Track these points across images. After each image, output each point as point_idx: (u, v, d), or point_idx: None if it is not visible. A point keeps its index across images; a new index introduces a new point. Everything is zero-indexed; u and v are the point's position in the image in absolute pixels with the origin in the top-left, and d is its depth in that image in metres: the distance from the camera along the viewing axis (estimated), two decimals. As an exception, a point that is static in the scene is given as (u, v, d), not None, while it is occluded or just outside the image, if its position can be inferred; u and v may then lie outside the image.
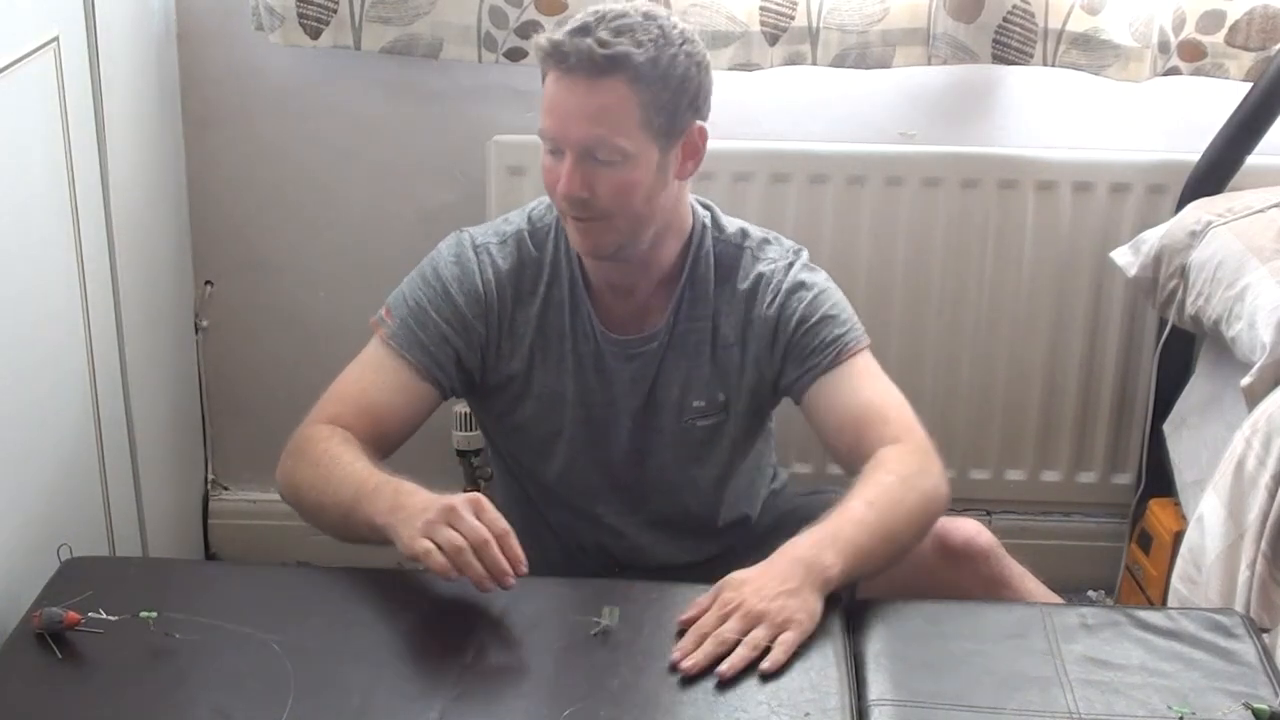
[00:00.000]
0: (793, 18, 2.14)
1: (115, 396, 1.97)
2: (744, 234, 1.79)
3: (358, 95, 2.29)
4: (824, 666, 1.43)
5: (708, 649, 1.41)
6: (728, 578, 1.48)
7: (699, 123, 1.68)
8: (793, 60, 2.17)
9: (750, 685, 1.40)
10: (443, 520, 1.46)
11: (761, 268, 1.75)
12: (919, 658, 1.44)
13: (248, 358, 2.44)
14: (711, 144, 2.21)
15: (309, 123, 2.31)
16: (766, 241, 1.79)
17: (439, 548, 1.45)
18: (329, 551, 2.45)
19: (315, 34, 2.15)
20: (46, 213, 1.76)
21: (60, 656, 1.39)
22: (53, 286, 1.78)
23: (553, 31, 1.64)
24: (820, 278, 1.77)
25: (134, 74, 2.06)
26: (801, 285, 1.74)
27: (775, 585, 1.45)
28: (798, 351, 1.73)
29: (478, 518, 1.46)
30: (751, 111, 2.29)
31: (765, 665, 1.39)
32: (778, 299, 1.73)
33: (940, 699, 1.38)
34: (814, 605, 1.45)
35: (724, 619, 1.43)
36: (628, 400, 1.77)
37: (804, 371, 1.73)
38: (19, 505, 1.65)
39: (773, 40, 2.15)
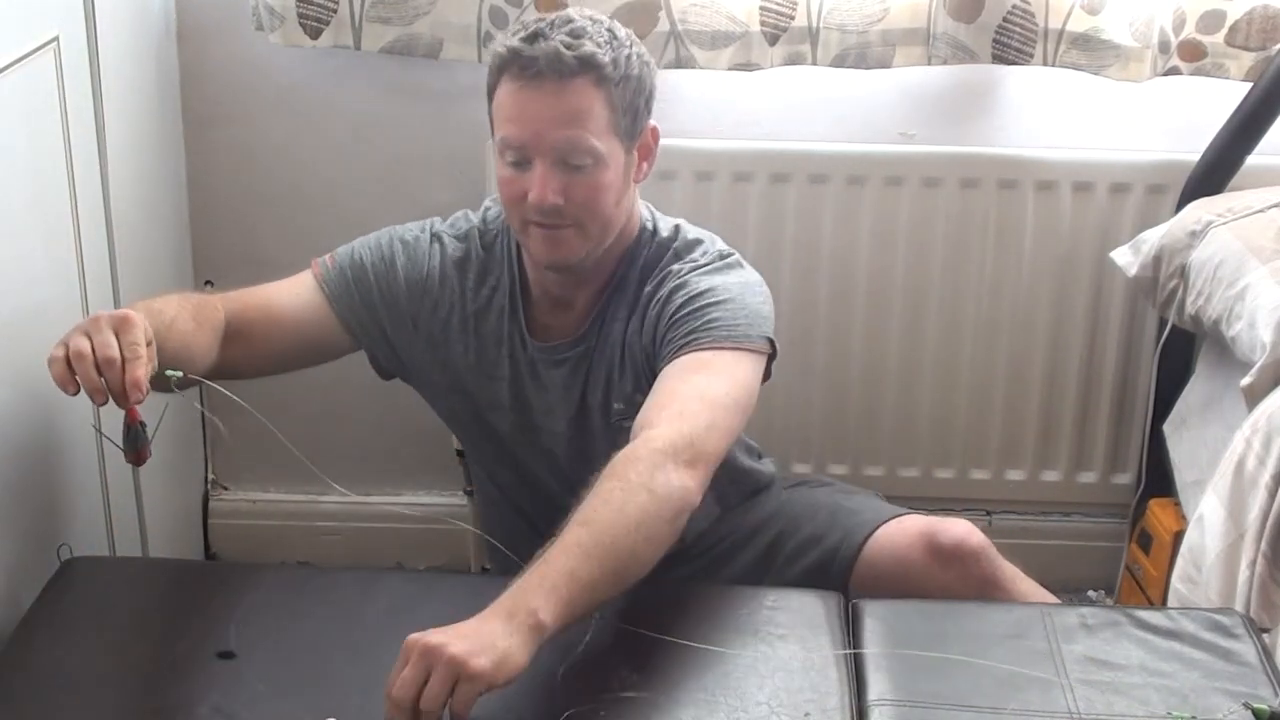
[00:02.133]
0: (793, 18, 2.14)
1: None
2: (675, 233, 1.75)
3: (358, 95, 2.29)
4: (824, 666, 1.43)
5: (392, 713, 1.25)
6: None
7: (651, 123, 1.69)
8: (793, 60, 2.17)
9: (750, 686, 1.40)
10: (83, 330, 1.42)
11: (674, 266, 1.71)
12: (919, 658, 1.44)
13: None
14: (711, 144, 2.24)
15: (309, 123, 2.31)
16: (698, 241, 1.74)
17: (62, 358, 1.40)
18: (329, 551, 2.46)
19: (315, 34, 2.15)
20: (46, 213, 1.76)
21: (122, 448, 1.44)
22: (53, 286, 1.78)
23: (505, 40, 1.64)
24: (730, 279, 1.68)
25: (134, 74, 2.06)
26: (692, 284, 1.67)
27: (466, 630, 1.28)
28: (661, 342, 1.66)
29: (118, 335, 1.40)
30: (751, 111, 2.29)
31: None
32: (664, 295, 1.68)
33: (940, 699, 1.38)
34: (513, 652, 1.27)
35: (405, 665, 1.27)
36: (563, 407, 1.76)
37: (659, 360, 1.65)
38: (19, 505, 1.65)
39: (773, 40, 2.15)
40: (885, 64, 2.17)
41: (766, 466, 1.95)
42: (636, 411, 1.67)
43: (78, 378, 1.38)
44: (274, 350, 1.73)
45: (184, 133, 2.29)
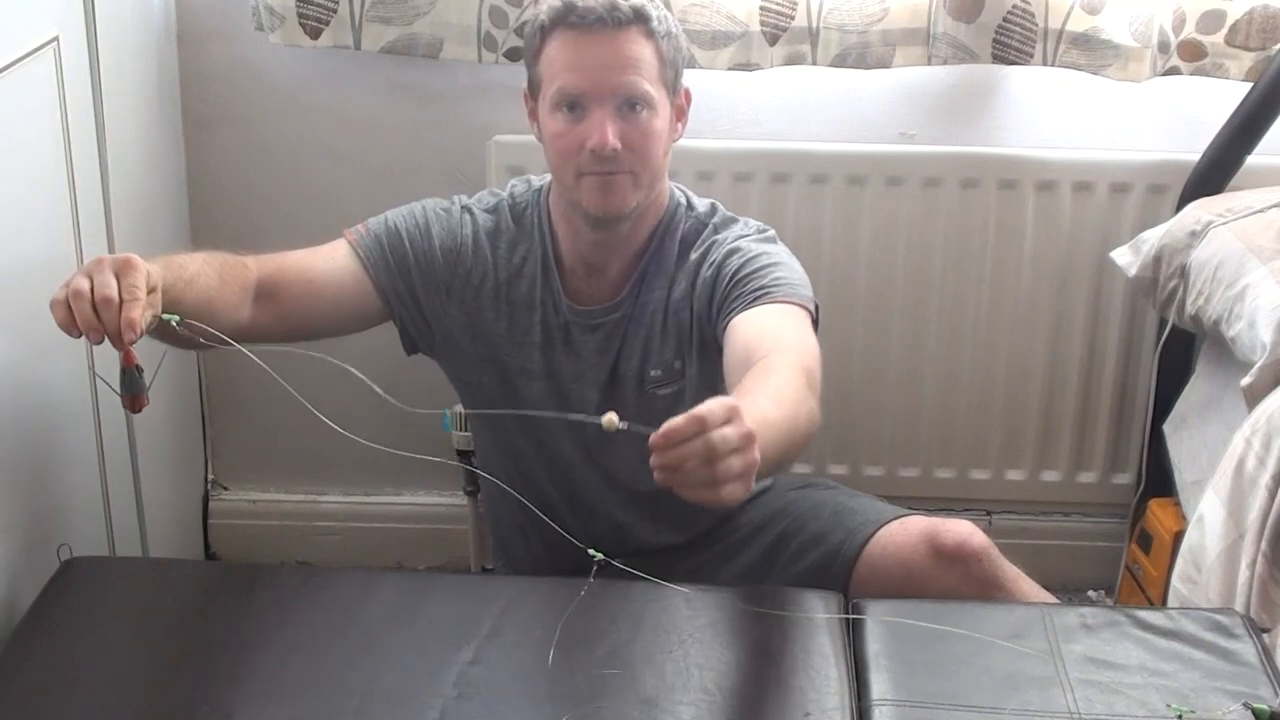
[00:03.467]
0: (793, 18, 2.14)
1: (115, 396, 1.97)
2: (713, 210, 1.83)
3: (358, 95, 2.29)
4: (824, 666, 1.43)
5: (696, 446, 1.25)
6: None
7: (685, 85, 1.78)
8: (793, 60, 2.17)
9: (750, 686, 1.40)
10: (85, 271, 1.43)
11: (717, 237, 1.78)
12: (919, 658, 1.44)
13: (248, 358, 2.44)
14: (711, 144, 2.23)
15: (309, 123, 2.31)
16: (733, 220, 1.82)
17: (62, 300, 1.41)
18: (329, 551, 2.46)
19: (315, 34, 2.14)
20: (47, 213, 1.76)
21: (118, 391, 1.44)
22: (53, 286, 1.77)
23: (550, 2, 1.70)
24: (775, 249, 1.76)
25: (134, 74, 2.06)
26: (745, 248, 1.74)
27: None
28: (724, 299, 1.71)
29: (119, 277, 1.41)
30: (751, 111, 2.29)
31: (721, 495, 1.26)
32: (719, 258, 1.74)
33: (940, 699, 1.38)
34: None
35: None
36: (595, 373, 1.80)
37: (727, 315, 1.69)
38: (19, 505, 1.65)
39: (773, 40, 2.15)
40: (885, 64, 2.17)
41: None
42: (674, 378, 1.77)
43: (75, 313, 1.39)
44: (305, 313, 1.74)
45: (184, 133, 2.29)
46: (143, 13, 2.11)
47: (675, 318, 1.77)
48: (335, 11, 2.13)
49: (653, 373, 1.79)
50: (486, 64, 2.17)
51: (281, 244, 2.34)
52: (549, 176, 1.81)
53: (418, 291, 1.79)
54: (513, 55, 2.15)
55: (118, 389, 1.46)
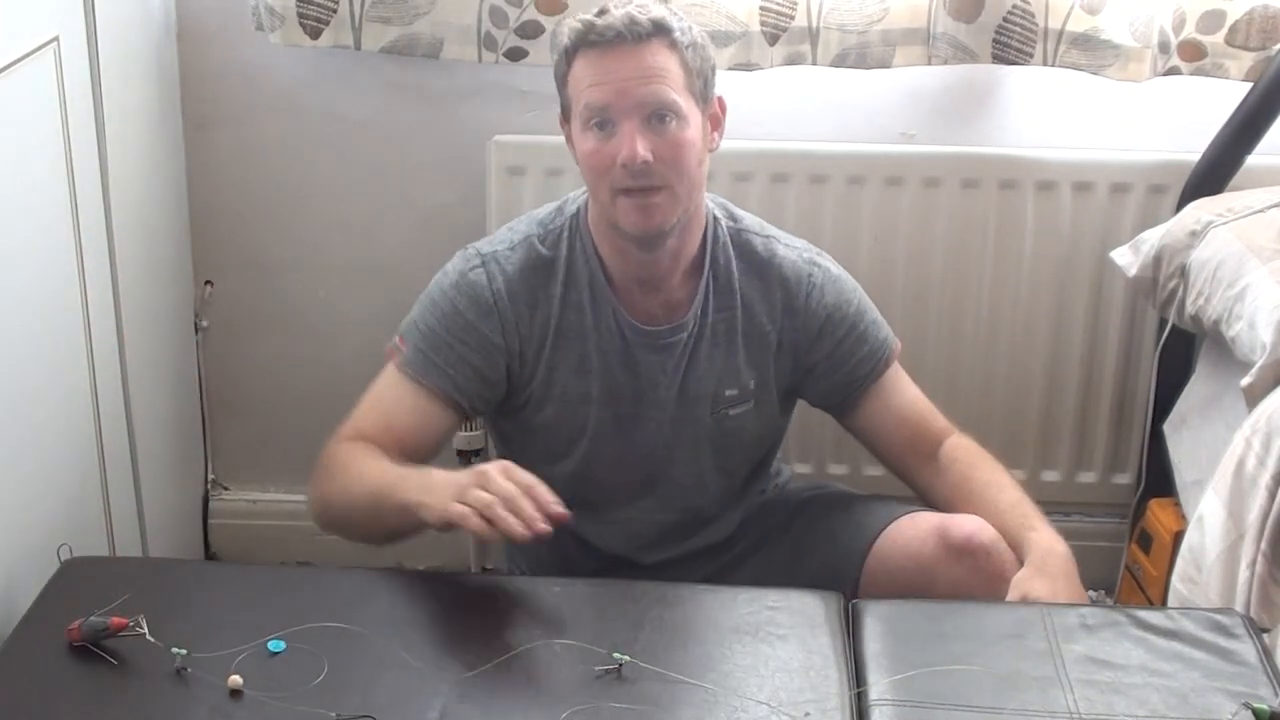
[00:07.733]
0: (793, 18, 2.14)
1: (115, 396, 1.97)
2: (761, 224, 1.84)
3: (358, 95, 2.29)
4: (824, 666, 1.43)
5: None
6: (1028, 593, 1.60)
7: (718, 94, 1.77)
8: (793, 60, 2.17)
9: (750, 686, 1.40)
10: (474, 484, 1.50)
11: (791, 256, 1.81)
12: (919, 658, 1.44)
13: (248, 358, 2.44)
14: (712, 144, 2.23)
15: (309, 123, 2.31)
16: (775, 237, 1.84)
17: (472, 511, 1.48)
18: (329, 551, 2.46)
19: (315, 34, 2.15)
20: (47, 213, 1.76)
21: (115, 662, 1.40)
22: (53, 286, 1.78)
23: (571, 23, 1.69)
24: (848, 282, 1.86)
25: (134, 74, 2.06)
26: (844, 285, 1.84)
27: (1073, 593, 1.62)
28: (841, 357, 1.80)
29: (506, 478, 1.50)
30: (751, 111, 2.28)
31: None
32: (825, 294, 1.80)
33: (940, 699, 1.38)
34: None
35: None
36: (659, 393, 1.77)
37: (850, 381, 1.81)
38: (19, 505, 1.65)
39: (773, 40, 2.15)
40: (885, 64, 2.17)
41: (784, 471, 2.01)
42: (747, 398, 1.80)
43: (492, 521, 1.48)
44: (417, 463, 1.69)
45: (184, 133, 2.29)
46: (143, 13, 2.11)
47: (759, 337, 1.78)
48: (335, 11, 2.13)
49: (728, 392, 1.78)
50: (486, 64, 2.17)
51: (280, 242, 2.35)
52: (582, 196, 1.78)
53: (483, 372, 1.74)
54: (513, 55, 2.15)
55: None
